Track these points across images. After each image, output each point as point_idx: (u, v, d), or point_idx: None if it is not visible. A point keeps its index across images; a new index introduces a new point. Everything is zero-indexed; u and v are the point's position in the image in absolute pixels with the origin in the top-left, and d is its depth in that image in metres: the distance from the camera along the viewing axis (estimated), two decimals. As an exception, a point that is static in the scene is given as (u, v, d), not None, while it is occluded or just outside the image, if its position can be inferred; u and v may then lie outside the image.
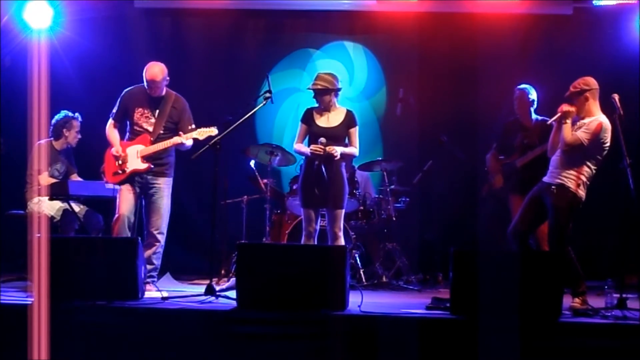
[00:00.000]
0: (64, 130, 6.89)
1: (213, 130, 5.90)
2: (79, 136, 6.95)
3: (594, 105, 5.45)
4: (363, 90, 8.24)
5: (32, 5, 7.44)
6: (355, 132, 6.04)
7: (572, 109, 5.43)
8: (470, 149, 7.37)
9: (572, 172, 5.39)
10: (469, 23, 7.83)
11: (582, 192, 5.41)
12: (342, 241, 5.96)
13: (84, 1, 7.84)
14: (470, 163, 7.35)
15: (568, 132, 5.39)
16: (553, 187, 5.43)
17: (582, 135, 5.35)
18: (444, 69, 7.92)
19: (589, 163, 5.40)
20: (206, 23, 8.22)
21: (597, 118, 5.40)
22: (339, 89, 6.07)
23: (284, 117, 8.18)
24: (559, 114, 5.45)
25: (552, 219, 5.45)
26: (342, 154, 5.94)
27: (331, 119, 6.03)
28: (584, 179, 5.40)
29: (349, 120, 6.03)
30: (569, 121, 5.40)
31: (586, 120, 5.41)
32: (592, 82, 5.47)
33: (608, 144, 5.40)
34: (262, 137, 8.09)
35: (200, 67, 8.12)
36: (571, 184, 5.39)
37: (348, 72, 8.18)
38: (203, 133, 5.92)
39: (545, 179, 5.55)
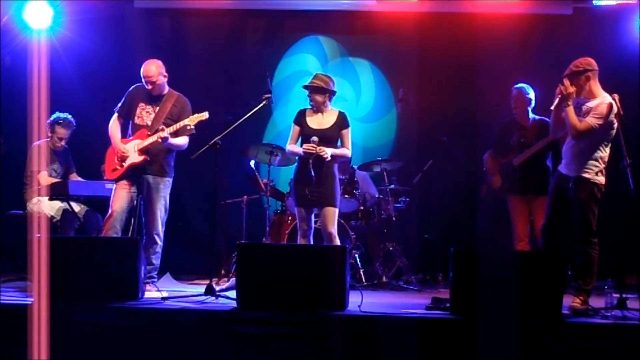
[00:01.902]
0: (49, 132, 6.87)
1: (204, 115, 5.88)
2: (62, 143, 6.88)
3: (596, 86, 5.33)
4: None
5: (32, 5, 7.44)
6: (347, 133, 6.02)
7: (573, 89, 5.28)
8: (470, 149, 7.37)
9: (588, 162, 5.28)
10: (469, 23, 7.84)
11: (601, 178, 5.30)
12: (337, 241, 5.93)
13: (84, 1, 7.85)
14: (470, 163, 7.34)
15: (574, 118, 5.24)
16: (573, 181, 5.32)
17: (592, 120, 5.21)
18: (444, 69, 7.93)
19: (601, 147, 5.30)
20: (206, 23, 8.23)
21: (604, 100, 5.26)
22: (334, 92, 6.06)
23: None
24: (558, 97, 5.30)
25: (578, 213, 5.32)
26: (333, 155, 5.93)
27: (323, 121, 6.02)
28: (601, 165, 5.30)
29: (341, 121, 6.02)
30: (570, 103, 5.26)
31: (592, 104, 5.27)
32: (594, 62, 5.34)
33: (616, 123, 5.30)
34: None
35: (200, 66, 8.12)
36: (590, 175, 5.28)
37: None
38: (194, 119, 5.89)
39: (562, 169, 5.43)
